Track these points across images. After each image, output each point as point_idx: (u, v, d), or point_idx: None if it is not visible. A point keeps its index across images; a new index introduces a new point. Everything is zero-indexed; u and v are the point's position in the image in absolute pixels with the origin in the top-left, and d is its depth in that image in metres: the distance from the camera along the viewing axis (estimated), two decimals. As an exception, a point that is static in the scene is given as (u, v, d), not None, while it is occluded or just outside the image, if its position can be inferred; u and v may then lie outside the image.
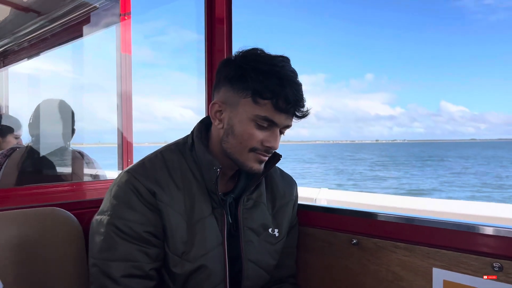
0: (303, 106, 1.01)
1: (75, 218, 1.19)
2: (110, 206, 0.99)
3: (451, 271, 1.02)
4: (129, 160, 2.16)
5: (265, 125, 1.00)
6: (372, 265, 1.17)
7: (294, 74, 1.01)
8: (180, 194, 1.02)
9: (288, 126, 1.05)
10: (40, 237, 1.11)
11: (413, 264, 1.09)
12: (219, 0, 1.64)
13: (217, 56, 1.67)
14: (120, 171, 1.04)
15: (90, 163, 2.33)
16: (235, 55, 1.05)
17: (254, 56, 1.02)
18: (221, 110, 1.05)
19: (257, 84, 0.97)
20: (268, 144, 1.02)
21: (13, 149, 2.09)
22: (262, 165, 1.07)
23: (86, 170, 2.28)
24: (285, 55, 1.05)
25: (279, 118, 1.00)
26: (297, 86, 1.00)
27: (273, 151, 1.07)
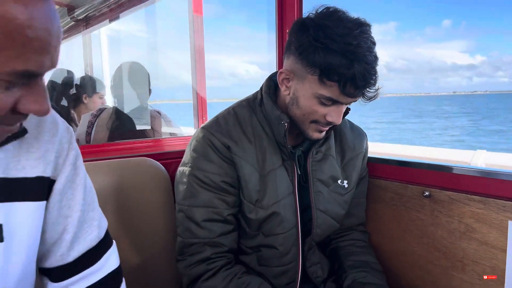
0: (373, 87, 0.97)
1: (163, 167, 1.32)
2: (190, 159, 1.09)
3: (528, 224, 1.00)
4: (204, 118, 2.28)
5: (329, 103, 1.01)
6: (444, 217, 1.18)
7: (369, 50, 0.94)
8: (252, 147, 1.09)
9: (354, 101, 1.02)
10: (133, 183, 1.26)
11: (487, 217, 1.08)
12: None
13: (288, 10, 1.67)
14: (196, 128, 1.11)
15: (168, 121, 2.50)
16: (309, 18, 1.00)
17: (328, 29, 0.94)
18: (288, 78, 1.06)
19: (325, 64, 0.94)
20: (330, 119, 1.03)
21: (101, 110, 2.30)
22: (323, 134, 1.09)
23: (164, 127, 2.46)
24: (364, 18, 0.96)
25: (345, 99, 0.99)
26: (369, 67, 0.93)
27: None
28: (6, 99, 0.53)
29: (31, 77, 0.54)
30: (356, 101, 1.01)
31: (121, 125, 2.30)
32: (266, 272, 1.13)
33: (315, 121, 1.05)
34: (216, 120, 1.12)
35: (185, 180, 1.08)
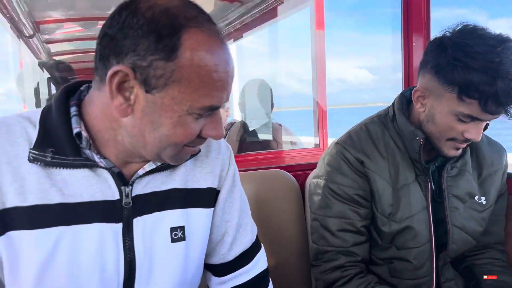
0: None
1: (294, 178, 1.44)
2: (324, 172, 1.17)
3: None
4: (324, 131, 2.36)
5: (468, 120, 1.00)
6: None
7: None
8: (384, 162, 1.14)
9: (495, 118, 1.00)
10: (268, 193, 1.40)
11: None
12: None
13: (415, 14, 1.66)
14: (314, 136, 1.16)
15: (289, 133, 2.65)
16: (447, 37, 1.01)
17: (468, 47, 0.94)
18: (423, 96, 1.07)
19: (465, 81, 0.94)
20: (468, 136, 1.02)
21: (231, 124, 2.54)
22: (459, 151, 1.08)
23: (285, 138, 2.61)
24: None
25: (485, 117, 0.98)
26: None
27: None
28: (195, 127, 0.69)
29: (213, 109, 0.69)
30: (497, 118, 0.99)
31: (247, 137, 2.51)
32: (399, 284, 1.16)
33: (452, 139, 1.05)
34: (349, 135, 1.19)
35: (319, 191, 1.17)
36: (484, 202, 1.17)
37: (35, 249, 0.68)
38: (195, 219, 0.82)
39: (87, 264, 0.71)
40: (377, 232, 1.16)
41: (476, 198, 1.16)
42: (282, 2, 2.67)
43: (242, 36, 3.47)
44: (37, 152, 0.68)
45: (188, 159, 0.82)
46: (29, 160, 0.68)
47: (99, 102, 0.70)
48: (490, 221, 1.21)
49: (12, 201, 0.67)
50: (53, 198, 0.69)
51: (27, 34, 3.10)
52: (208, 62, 0.64)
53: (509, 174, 1.25)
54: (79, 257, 0.70)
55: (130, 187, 0.74)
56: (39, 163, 0.68)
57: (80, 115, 0.72)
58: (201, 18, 0.66)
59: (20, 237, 0.68)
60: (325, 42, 2.39)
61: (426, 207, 1.13)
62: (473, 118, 0.99)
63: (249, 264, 0.91)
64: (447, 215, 1.14)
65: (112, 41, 0.64)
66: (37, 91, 2.68)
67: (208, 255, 0.90)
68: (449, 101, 1.00)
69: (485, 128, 1.09)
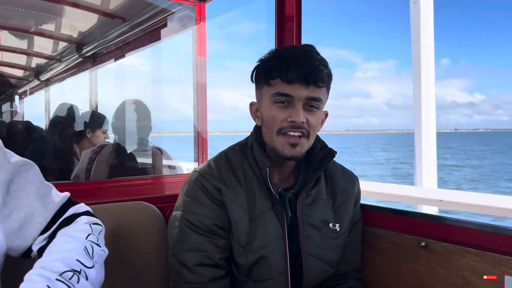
0: (317, 72, 1.02)
1: (159, 211, 1.32)
2: (182, 203, 1.10)
3: (525, 281, 0.98)
4: (204, 156, 2.30)
5: (283, 101, 1.06)
6: (441, 269, 1.16)
7: (306, 50, 1.06)
8: (242, 190, 1.11)
9: (314, 98, 1.06)
10: (130, 227, 1.26)
11: (484, 270, 1.06)
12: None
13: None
14: (196, 162, 1.14)
15: (168, 159, 2.52)
16: None
17: (270, 51, 1.12)
18: (258, 109, 1.15)
19: (266, 69, 1.08)
20: (290, 119, 1.05)
21: (102, 146, 2.31)
22: (297, 149, 1.08)
23: (165, 164, 2.48)
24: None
25: (292, 90, 1.04)
26: (308, 58, 1.03)
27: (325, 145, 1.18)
28: None
29: None
30: (313, 95, 1.05)
31: (122, 161, 2.32)
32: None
33: (280, 131, 1.07)
34: (208, 164, 1.15)
35: (177, 224, 1.09)
36: (338, 229, 1.19)
37: None
38: None
39: None
40: (235, 265, 1.10)
41: (330, 225, 1.18)
42: (166, 26, 2.60)
43: (126, 55, 3.29)
44: None
45: None
46: None
47: None
48: (346, 249, 1.23)
49: None
50: None
51: None
52: None
53: (364, 205, 1.32)
54: None
55: None
56: None
57: None
58: None
59: None
60: (207, 68, 2.37)
61: (282, 236, 1.11)
62: (286, 97, 1.05)
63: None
64: (301, 244, 1.13)
65: None
66: None
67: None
68: (265, 93, 1.10)
69: (333, 156, 1.15)
